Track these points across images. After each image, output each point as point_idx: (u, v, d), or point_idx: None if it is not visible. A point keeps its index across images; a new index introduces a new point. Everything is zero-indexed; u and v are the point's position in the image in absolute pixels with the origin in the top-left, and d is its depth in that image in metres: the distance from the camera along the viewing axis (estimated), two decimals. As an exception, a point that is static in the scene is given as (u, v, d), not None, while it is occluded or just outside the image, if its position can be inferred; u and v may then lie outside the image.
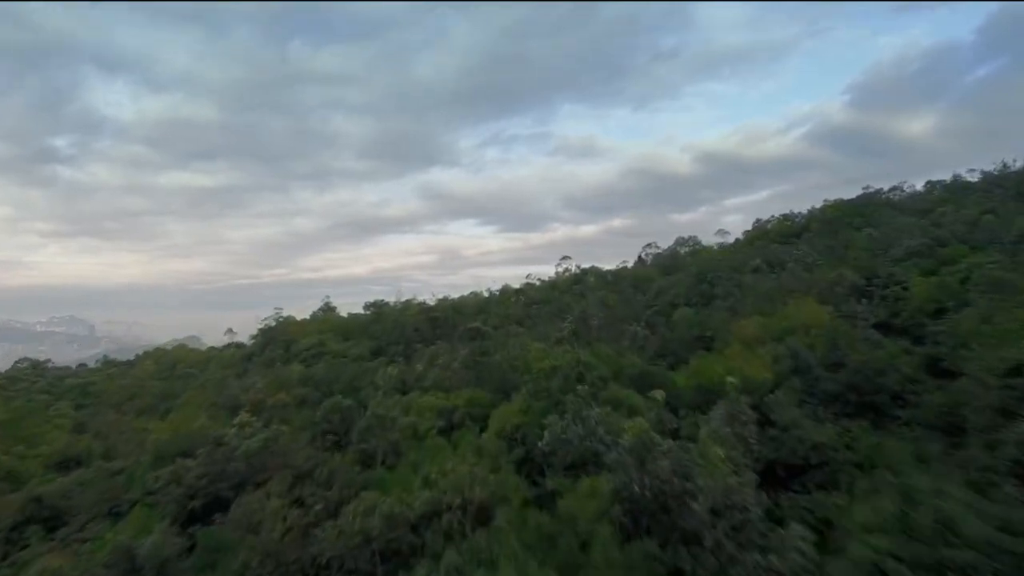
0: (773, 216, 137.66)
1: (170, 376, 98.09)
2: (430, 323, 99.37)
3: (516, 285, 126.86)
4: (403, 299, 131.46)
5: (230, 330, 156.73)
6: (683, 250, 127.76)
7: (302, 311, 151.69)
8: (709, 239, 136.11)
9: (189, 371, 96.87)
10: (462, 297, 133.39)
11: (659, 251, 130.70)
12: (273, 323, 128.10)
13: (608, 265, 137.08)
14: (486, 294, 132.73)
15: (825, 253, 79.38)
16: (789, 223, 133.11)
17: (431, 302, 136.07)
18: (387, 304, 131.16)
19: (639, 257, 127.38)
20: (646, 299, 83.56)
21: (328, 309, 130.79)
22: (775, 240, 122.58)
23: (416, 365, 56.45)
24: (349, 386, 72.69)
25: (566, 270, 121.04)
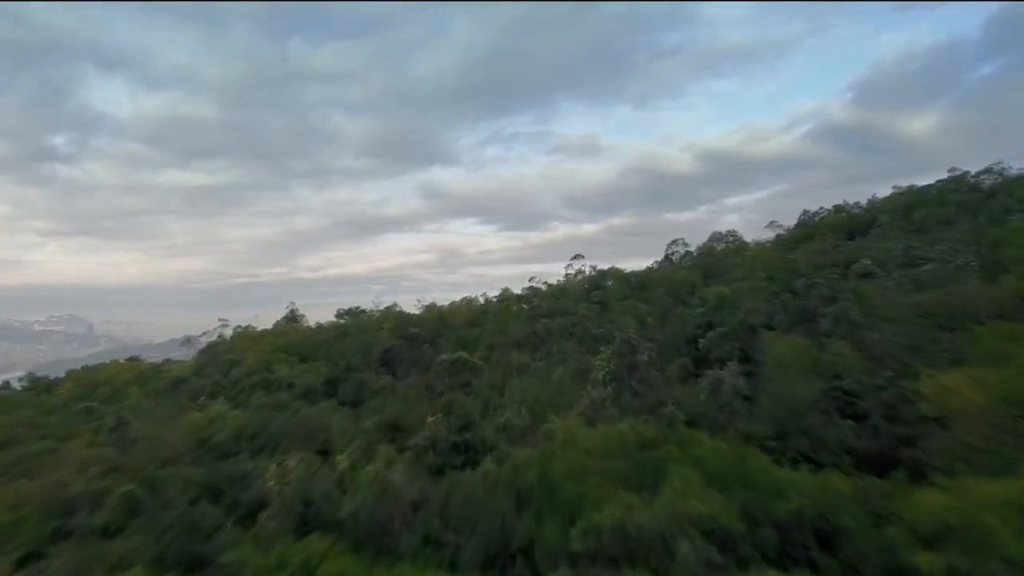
0: (822, 208, 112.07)
1: (66, 411, 72.50)
2: (407, 343, 73.80)
3: (518, 289, 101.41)
4: (382, 306, 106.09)
5: (188, 339, 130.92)
6: (718, 247, 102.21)
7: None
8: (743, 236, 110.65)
9: (91, 405, 71.21)
10: (453, 304, 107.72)
11: (688, 248, 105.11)
12: (224, 335, 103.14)
13: (622, 264, 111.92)
14: (481, 300, 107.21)
15: (957, 249, 54.23)
16: (844, 214, 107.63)
17: (417, 308, 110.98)
18: (363, 312, 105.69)
19: (666, 256, 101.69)
20: (698, 315, 58.05)
21: (292, 318, 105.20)
22: (834, 234, 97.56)
23: (339, 457, 31.06)
24: (278, 434, 47.27)
25: (578, 272, 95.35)
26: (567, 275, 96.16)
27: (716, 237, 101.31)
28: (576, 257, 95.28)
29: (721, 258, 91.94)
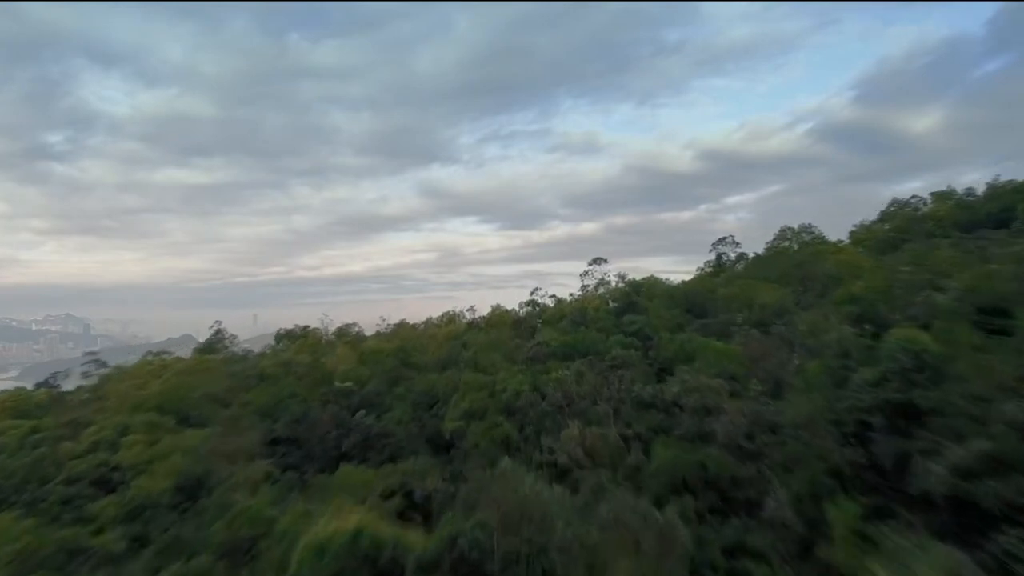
0: (916, 197, 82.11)
1: None
2: (342, 403, 44.16)
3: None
4: (332, 327, 76.77)
5: (100, 362, 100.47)
6: (786, 245, 72.37)
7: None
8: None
9: None
10: (429, 324, 78.26)
11: (739, 248, 75.08)
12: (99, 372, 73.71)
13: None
14: (468, 316, 77.79)
15: None
16: (952, 203, 77.82)
17: (383, 327, 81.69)
18: (306, 334, 76.12)
19: (717, 260, 71.74)
20: (866, 382, 28.51)
21: (209, 347, 75.34)
22: (943, 230, 68.26)
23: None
24: None
25: (600, 282, 65.57)
26: (584, 287, 66.46)
27: (786, 234, 71.32)
28: (596, 261, 65.59)
29: (805, 263, 62.07)
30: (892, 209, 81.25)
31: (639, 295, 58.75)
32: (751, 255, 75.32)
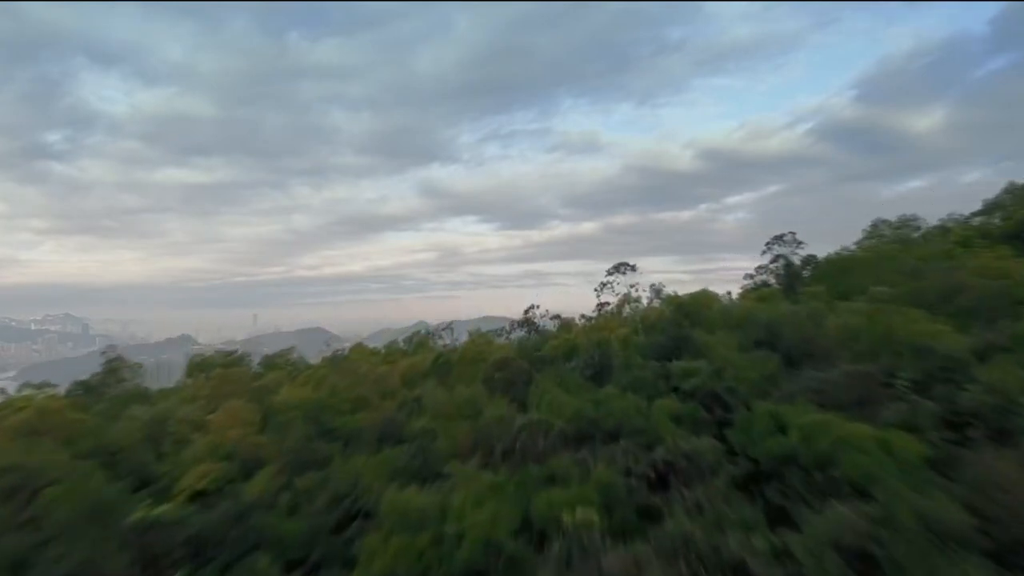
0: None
1: None
2: (158, 541, 23.68)
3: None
4: (253, 360, 55.90)
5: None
6: (885, 241, 51.17)
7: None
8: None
9: None
10: (390, 354, 57.17)
11: (801, 250, 53.87)
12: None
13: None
14: (442, 341, 56.86)
15: None
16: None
17: (333, 352, 61.29)
18: (228, 361, 55.21)
19: (783, 263, 50.53)
20: None
21: (89, 388, 53.68)
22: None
23: None
24: None
25: (625, 300, 44.39)
26: (599, 304, 45.23)
27: (883, 229, 49.90)
28: (619, 268, 44.34)
29: (922, 273, 40.70)
30: (1006, 196, 59.70)
31: (684, 316, 37.52)
32: (818, 258, 54.15)
